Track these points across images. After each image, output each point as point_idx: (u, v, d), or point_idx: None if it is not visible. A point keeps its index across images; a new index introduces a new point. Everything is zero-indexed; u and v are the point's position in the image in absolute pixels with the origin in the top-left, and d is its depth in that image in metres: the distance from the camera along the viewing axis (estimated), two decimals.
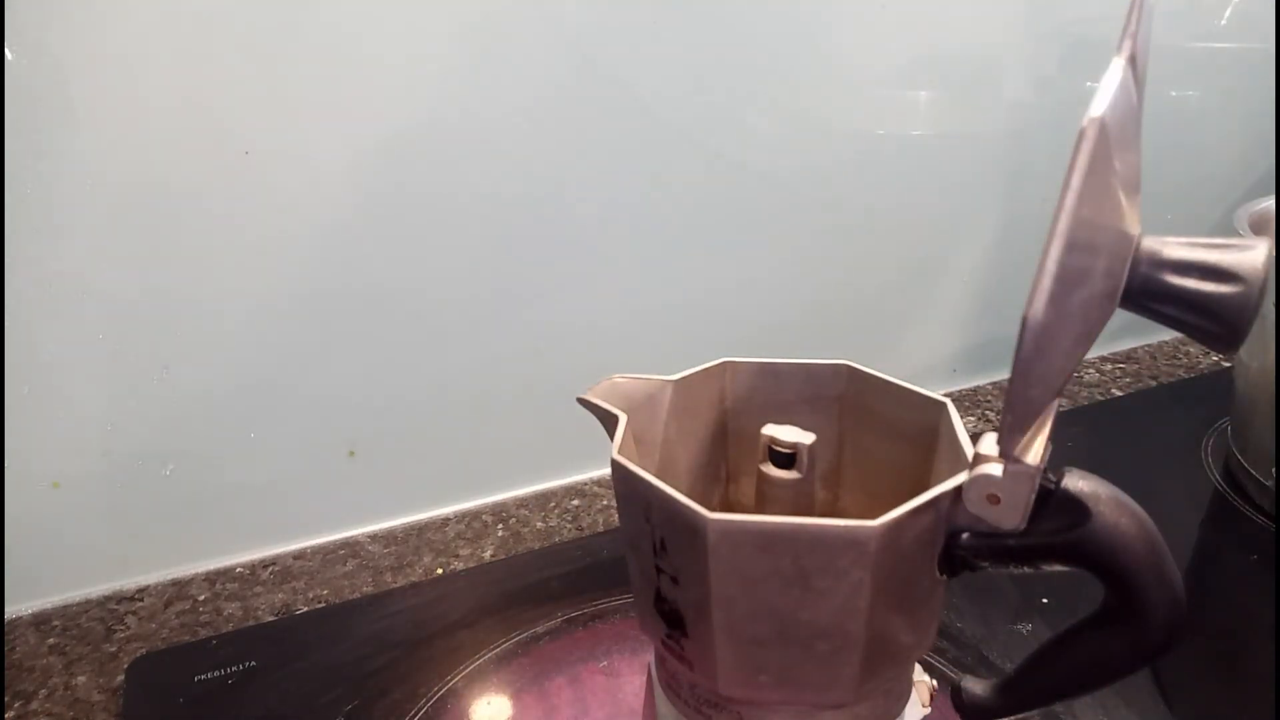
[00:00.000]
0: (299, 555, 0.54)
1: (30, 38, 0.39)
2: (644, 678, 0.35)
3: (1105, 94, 0.18)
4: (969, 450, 0.25)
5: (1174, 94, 0.69)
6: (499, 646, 0.44)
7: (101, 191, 0.43)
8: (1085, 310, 0.20)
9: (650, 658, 0.32)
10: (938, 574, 0.25)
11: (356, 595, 0.50)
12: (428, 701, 0.41)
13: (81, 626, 0.48)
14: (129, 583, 0.51)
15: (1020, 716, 0.36)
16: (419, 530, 0.56)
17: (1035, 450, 0.22)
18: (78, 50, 0.40)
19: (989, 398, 0.70)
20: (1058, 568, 0.24)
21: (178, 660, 0.45)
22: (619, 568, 0.30)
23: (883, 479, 0.31)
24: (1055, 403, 0.23)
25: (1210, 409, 0.64)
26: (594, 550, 0.53)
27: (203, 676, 0.43)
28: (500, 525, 0.56)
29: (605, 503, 0.58)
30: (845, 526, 0.22)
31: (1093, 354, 0.70)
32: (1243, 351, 0.54)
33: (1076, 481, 0.23)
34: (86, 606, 0.49)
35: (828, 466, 0.32)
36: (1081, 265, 0.19)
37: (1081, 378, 0.72)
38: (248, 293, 0.47)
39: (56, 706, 0.43)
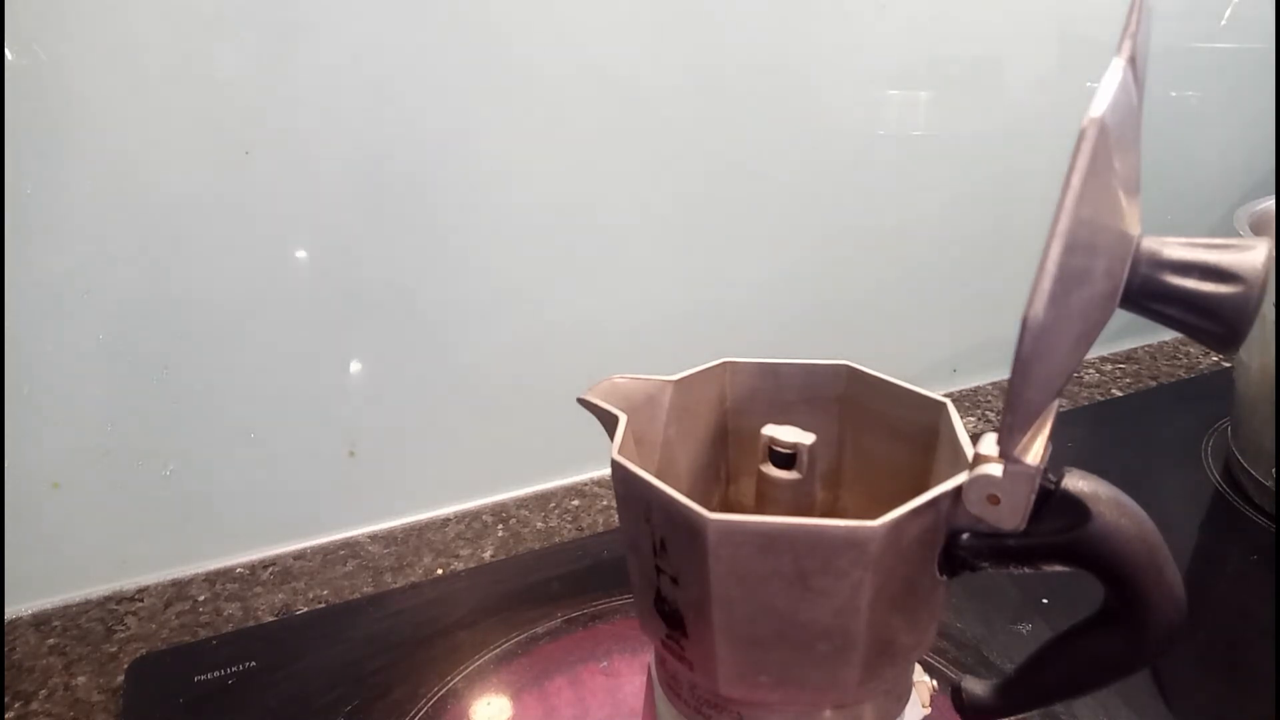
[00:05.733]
0: (299, 555, 0.54)
1: (30, 38, 0.39)
2: (644, 678, 0.35)
3: (1105, 94, 0.18)
4: (969, 450, 0.25)
5: (1174, 94, 0.69)
6: (499, 647, 0.44)
7: (102, 191, 0.43)
8: (1085, 310, 0.20)
9: (650, 658, 0.32)
10: (938, 574, 0.25)
11: (356, 595, 0.50)
12: (428, 701, 0.41)
13: (81, 626, 0.48)
14: (129, 583, 0.51)
15: (1020, 716, 0.36)
16: (419, 530, 0.56)
17: (1035, 450, 0.22)
18: (78, 50, 0.40)
19: (989, 398, 0.70)
20: (1058, 568, 0.24)
21: (178, 660, 0.45)
22: (619, 568, 0.30)
23: (883, 479, 0.31)
24: (1055, 403, 0.23)
25: (1210, 409, 0.64)
26: (594, 550, 0.53)
27: (203, 676, 0.43)
28: (500, 525, 0.56)
29: (605, 503, 0.58)
30: (845, 527, 0.22)
31: (1093, 354, 0.70)
32: (1243, 351, 0.54)
33: (1076, 482, 0.23)
34: (86, 606, 0.49)
35: (828, 467, 0.32)
36: (1081, 265, 0.19)
37: (1081, 378, 0.72)
38: (248, 293, 0.47)
39: (56, 707, 0.43)
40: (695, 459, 0.33)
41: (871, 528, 0.22)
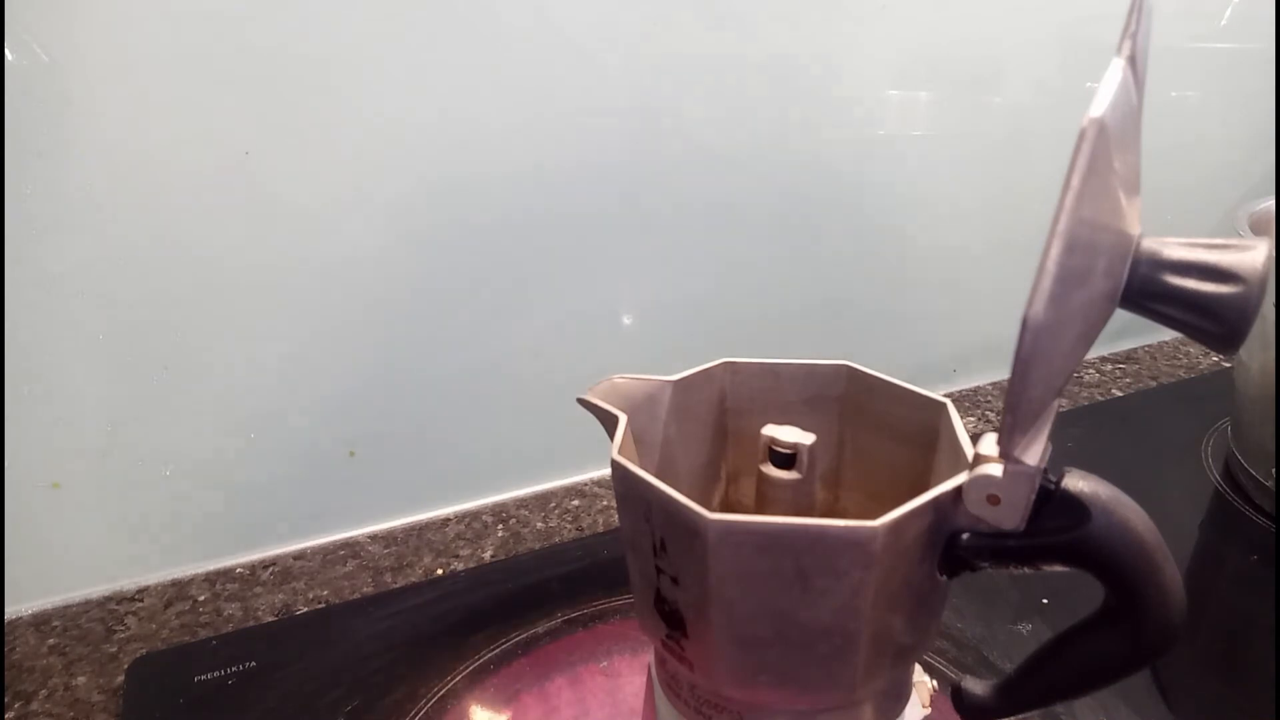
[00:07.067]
0: (299, 555, 0.54)
1: (30, 38, 0.39)
2: (644, 678, 0.35)
3: (1105, 94, 0.18)
4: (969, 450, 0.25)
5: (1174, 94, 0.69)
6: (499, 646, 0.44)
7: (101, 191, 0.43)
8: (1085, 310, 0.20)
9: (650, 658, 0.32)
10: (938, 574, 0.25)
11: (356, 595, 0.50)
12: (428, 702, 0.41)
13: (81, 626, 0.48)
14: (129, 583, 0.51)
15: (1020, 717, 0.36)
16: (419, 530, 0.56)
17: (1035, 450, 0.22)
18: (78, 50, 0.40)
19: (989, 398, 0.70)
20: (1058, 568, 0.24)
21: (178, 660, 0.45)
22: (619, 568, 0.30)
23: (883, 479, 0.31)
24: (1055, 403, 0.23)
25: (1210, 409, 0.64)
26: (594, 550, 0.53)
27: (203, 676, 0.43)
28: (500, 525, 0.56)
29: (605, 503, 0.58)
30: (846, 527, 0.22)
31: (1093, 354, 0.70)
32: (1243, 351, 0.54)
33: (1076, 482, 0.23)
34: (86, 606, 0.49)
35: (828, 467, 0.32)
36: (1081, 265, 0.19)
37: (1081, 378, 0.72)
38: (247, 293, 0.47)
39: (56, 707, 0.43)
40: (695, 459, 0.33)
41: (872, 528, 0.22)
